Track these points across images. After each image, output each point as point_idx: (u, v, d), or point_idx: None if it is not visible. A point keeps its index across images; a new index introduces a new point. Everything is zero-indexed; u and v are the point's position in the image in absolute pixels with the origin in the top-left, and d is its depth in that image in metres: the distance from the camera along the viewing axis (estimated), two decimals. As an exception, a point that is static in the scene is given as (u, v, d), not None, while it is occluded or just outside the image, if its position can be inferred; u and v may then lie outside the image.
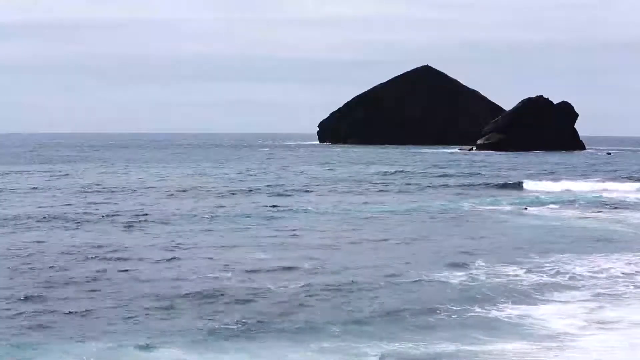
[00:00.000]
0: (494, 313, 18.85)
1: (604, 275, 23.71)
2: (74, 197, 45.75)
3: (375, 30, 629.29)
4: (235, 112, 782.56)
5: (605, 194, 51.27)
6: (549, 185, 58.95)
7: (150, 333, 16.72)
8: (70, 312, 18.32)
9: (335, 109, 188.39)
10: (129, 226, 33.13)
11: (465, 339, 16.61)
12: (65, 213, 37.15)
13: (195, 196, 47.76)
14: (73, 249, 27.07)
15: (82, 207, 39.91)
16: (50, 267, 23.68)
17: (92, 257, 25.33)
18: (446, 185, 58.51)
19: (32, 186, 53.79)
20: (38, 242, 28.48)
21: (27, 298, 19.60)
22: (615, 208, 43.21)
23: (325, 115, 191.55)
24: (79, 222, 34.06)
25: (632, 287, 22.06)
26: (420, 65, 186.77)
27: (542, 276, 23.33)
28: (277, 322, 17.69)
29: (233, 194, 49.86)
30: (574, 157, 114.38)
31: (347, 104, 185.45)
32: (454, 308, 19.12)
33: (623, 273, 24.01)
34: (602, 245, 29.69)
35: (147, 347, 15.65)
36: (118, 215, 36.69)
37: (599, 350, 15.96)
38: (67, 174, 67.83)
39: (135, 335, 16.57)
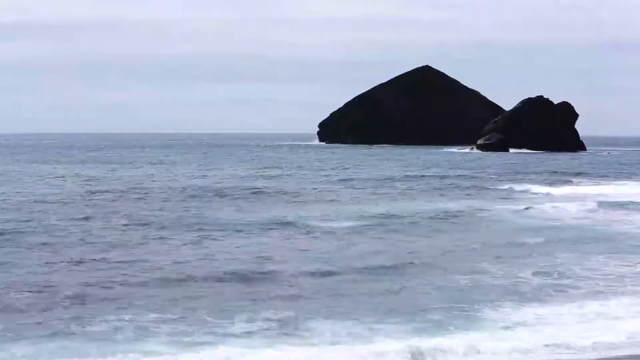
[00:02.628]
0: (480, 311, 19.15)
1: (601, 275, 23.88)
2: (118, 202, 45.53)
3: (375, 31, 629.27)
4: (235, 112, 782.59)
5: (607, 195, 51.18)
6: (550, 186, 58.86)
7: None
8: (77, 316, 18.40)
9: (335, 109, 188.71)
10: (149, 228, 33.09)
11: (433, 329, 17.46)
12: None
13: (217, 197, 47.31)
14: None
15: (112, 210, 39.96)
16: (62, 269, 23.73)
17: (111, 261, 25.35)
18: (446, 187, 58.37)
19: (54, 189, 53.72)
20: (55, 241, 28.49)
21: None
22: (618, 208, 43.16)
23: (325, 115, 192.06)
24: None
25: (620, 288, 22.22)
26: (420, 65, 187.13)
27: (544, 277, 23.42)
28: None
29: (256, 193, 49.51)
30: (574, 158, 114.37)
31: (347, 104, 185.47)
32: (445, 306, 19.49)
33: (620, 274, 24.15)
34: (605, 246, 29.72)
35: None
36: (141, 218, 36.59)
37: (532, 343, 16.53)
38: (103, 176, 67.72)
39: (148, 340, 16.70)
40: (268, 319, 18.23)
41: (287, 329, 17.51)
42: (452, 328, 17.64)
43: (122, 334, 17.01)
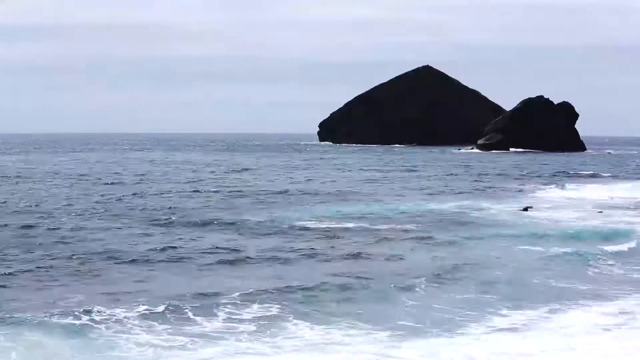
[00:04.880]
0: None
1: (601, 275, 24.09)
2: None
3: (376, 32, 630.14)
4: (235, 113, 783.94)
5: (607, 195, 50.77)
6: (551, 186, 58.57)
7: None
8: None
9: (335, 109, 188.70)
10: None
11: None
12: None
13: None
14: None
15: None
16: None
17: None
18: (446, 187, 58.03)
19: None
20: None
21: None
22: (619, 208, 42.81)
23: (326, 115, 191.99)
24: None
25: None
26: (420, 65, 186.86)
27: (549, 278, 23.30)
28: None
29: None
30: (574, 157, 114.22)
31: (347, 104, 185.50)
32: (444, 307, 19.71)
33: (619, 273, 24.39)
34: (608, 246, 29.38)
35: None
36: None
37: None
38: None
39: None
40: (248, 321, 17.94)
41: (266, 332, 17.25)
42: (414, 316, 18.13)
43: (98, 330, 16.76)
